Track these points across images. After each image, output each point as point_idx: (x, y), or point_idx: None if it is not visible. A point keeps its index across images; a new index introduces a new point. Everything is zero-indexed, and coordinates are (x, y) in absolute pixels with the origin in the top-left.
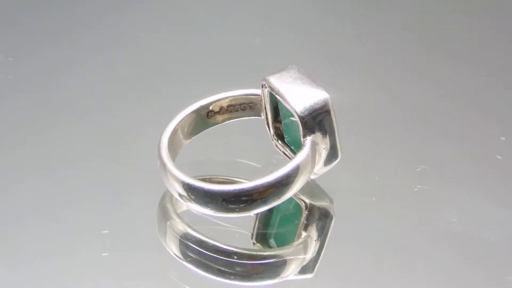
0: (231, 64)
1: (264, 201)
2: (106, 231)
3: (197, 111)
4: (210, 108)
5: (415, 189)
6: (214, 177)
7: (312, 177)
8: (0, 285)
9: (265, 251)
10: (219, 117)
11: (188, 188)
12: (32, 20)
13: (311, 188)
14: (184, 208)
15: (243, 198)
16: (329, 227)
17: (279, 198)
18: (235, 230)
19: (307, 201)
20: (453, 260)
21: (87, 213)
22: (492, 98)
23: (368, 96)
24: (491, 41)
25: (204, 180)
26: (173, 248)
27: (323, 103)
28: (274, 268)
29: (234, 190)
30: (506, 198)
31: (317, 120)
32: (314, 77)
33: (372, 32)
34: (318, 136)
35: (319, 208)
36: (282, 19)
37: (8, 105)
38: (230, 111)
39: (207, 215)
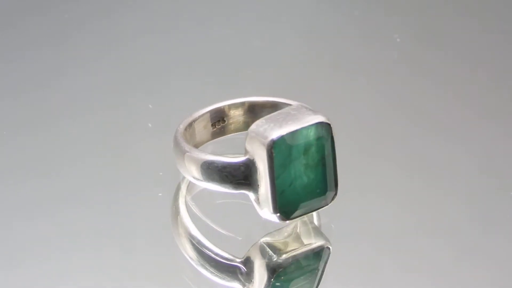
0: (230, 66)
1: None
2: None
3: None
4: None
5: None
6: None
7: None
8: (2, 285)
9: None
10: None
11: (206, 165)
12: (31, 21)
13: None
14: (194, 211)
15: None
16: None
17: None
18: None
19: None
20: (455, 263)
21: (95, 214)
22: (492, 98)
23: (367, 96)
24: (491, 41)
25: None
26: (187, 249)
27: (262, 140)
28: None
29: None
30: (505, 198)
31: (253, 147)
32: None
33: (373, 32)
34: (251, 158)
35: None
36: (281, 21)
37: (8, 105)
38: None
39: (222, 193)
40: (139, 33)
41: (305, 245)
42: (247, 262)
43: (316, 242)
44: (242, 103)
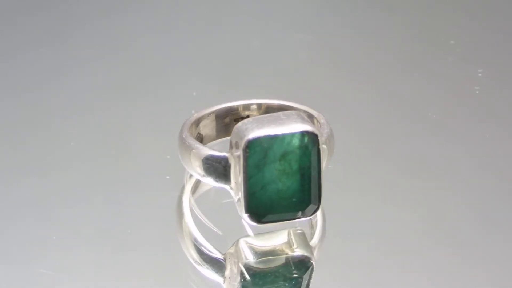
0: (229, 66)
1: None
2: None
3: None
4: None
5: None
6: None
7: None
8: (3, 285)
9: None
10: None
11: (209, 158)
12: (31, 20)
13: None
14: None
15: None
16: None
17: None
18: None
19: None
20: (454, 262)
21: (95, 213)
22: (492, 98)
23: (367, 96)
24: (491, 41)
25: None
26: (191, 251)
27: (240, 138)
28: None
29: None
30: (505, 198)
31: (234, 144)
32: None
33: (372, 32)
34: (231, 154)
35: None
36: (281, 20)
37: (8, 105)
38: None
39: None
40: (140, 34)
41: (288, 254)
42: (227, 258)
43: (300, 254)
44: (259, 105)
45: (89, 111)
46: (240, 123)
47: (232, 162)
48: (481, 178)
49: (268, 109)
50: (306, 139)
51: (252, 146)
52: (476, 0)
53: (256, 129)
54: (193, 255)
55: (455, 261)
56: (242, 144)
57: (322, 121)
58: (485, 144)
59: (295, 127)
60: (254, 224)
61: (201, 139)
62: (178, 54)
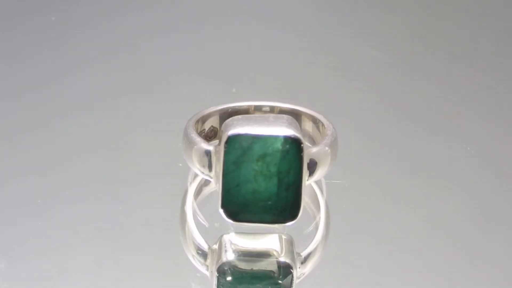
0: (229, 66)
1: None
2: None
3: None
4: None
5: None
6: None
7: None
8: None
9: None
10: None
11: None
12: (31, 21)
13: None
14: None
15: None
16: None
17: None
18: None
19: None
20: (453, 261)
21: (100, 214)
22: (492, 98)
23: (367, 96)
24: (491, 41)
25: None
26: (192, 251)
27: (224, 133)
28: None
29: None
30: (505, 198)
31: (221, 138)
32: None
33: (373, 32)
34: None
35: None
36: (281, 20)
37: (8, 105)
38: None
39: None
40: (140, 34)
41: (270, 258)
42: (209, 252)
43: (283, 260)
44: (272, 108)
45: (89, 111)
46: (230, 119)
47: (214, 155)
48: (481, 178)
49: (280, 113)
50: (288, 144)
51: (231, 142)
52: (476, 0)
53: (239, 127)
54: (190, 250)
55: (455, 261)
56: (223, 139)
57: (328, 132)
58: (485, 144)
59: (279, 130)
60: (230, 221)
61: (215, 132)
62: (179, 54)
